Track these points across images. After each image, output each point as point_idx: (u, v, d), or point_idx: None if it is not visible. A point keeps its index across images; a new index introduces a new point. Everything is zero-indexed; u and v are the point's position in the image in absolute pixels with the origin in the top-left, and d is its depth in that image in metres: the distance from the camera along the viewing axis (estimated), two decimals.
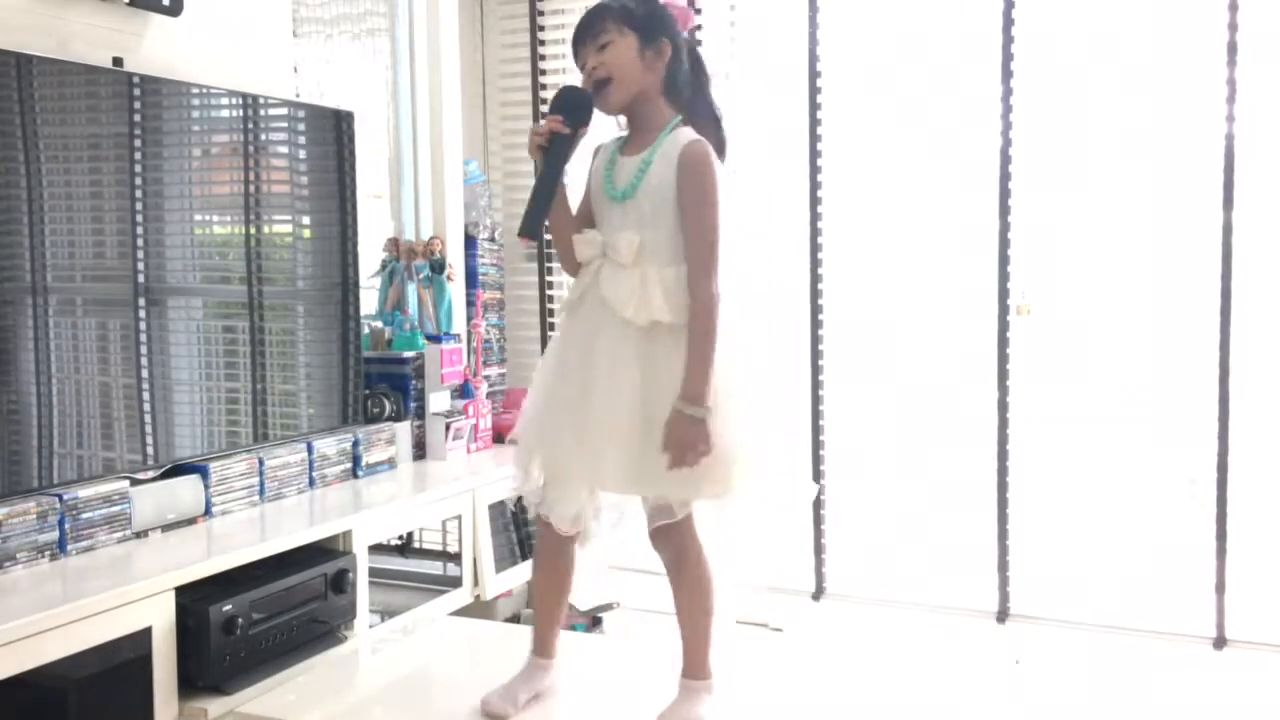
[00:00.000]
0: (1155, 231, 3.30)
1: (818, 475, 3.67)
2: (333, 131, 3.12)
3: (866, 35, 3.57)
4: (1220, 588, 3.19)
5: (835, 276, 3.63)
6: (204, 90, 2.75)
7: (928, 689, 2.35)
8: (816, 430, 3.66)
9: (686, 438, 1.88)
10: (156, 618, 2.23)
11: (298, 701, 2.27)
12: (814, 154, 3.60)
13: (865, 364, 3.67)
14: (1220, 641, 3.20)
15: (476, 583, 3.21)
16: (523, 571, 3.43)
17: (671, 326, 1.95)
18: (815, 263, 3.62)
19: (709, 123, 2.06)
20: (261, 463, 2.82)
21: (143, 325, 2.59)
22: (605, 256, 2.01)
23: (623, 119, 2.09)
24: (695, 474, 1.91)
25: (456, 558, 3.22)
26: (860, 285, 3.65)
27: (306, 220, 3.10)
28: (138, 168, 2.57)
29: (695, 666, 2.08)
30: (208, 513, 2.67)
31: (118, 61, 2.59)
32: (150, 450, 2.60)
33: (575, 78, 2.10)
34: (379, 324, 3.46)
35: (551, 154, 1.99)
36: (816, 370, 3.65)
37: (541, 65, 3.97)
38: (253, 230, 2.90)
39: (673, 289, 1.96)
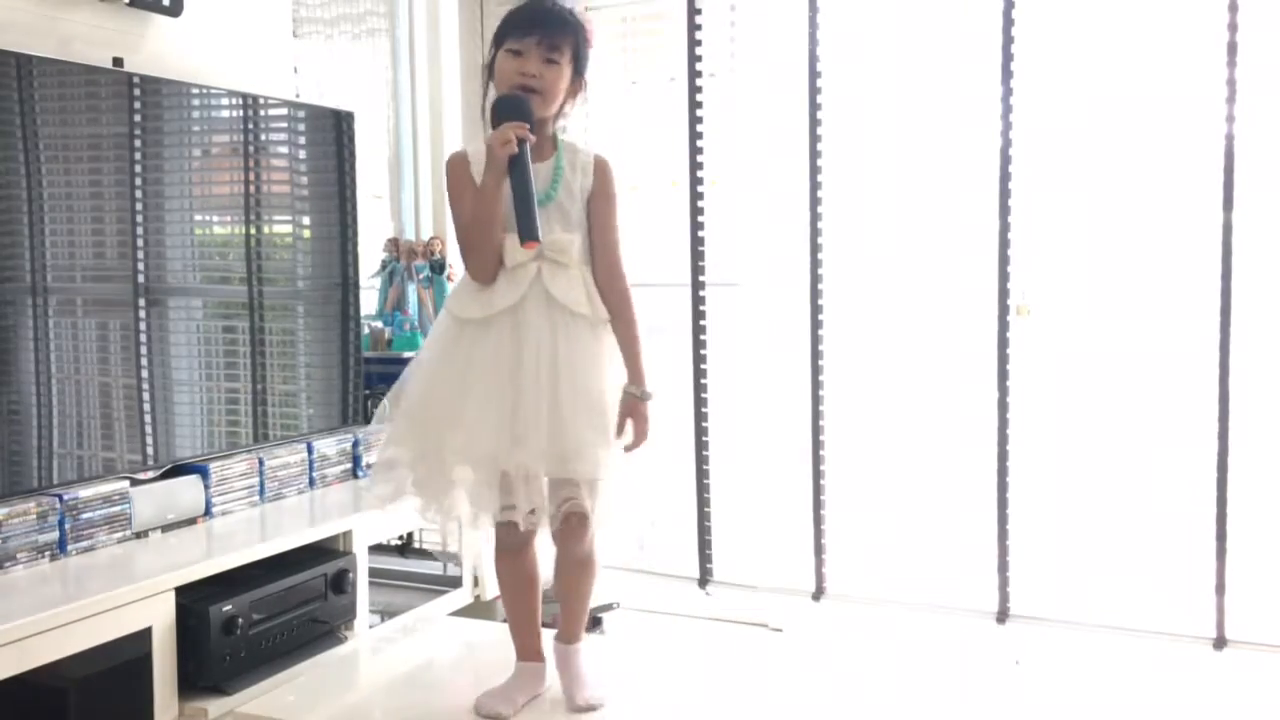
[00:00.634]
0: (1155, 232, 3.29)
1: (818, 475, 3.67)
2: (333, 131, 3.12)
3: (866, 35, 3.57)
4: (1220, 588, 3.19)
5: (835, 277, 3.63)
6: (204, 90, 2.75)
7: (928, 689, 2.35)
8: (816, 430, 3.66)
9: (644, 416, 2.07)
10: (156, 618, 2.23)
11: (298, 701, 2.27)
12: (814, 154, 3.60)
13: (865, 364, 3.67)
14: (1220, 641, 3.19)
15: (476, 583, 3.21)
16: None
17: (605, 321, 2.09)
18: (815, 263, 3.62)
19: None
20: (261, 463, 2.82)
21: (143, 325, 2.59)
22: (543, 258, 2.05)
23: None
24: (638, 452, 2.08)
25: (456, 558, 3.22)
26: (860, 285, 3.65)
27: (306, 220, 3.10)
28: (138, 168, 2.57)
29: (577, 633, 2.22)
30: (208, 513, 2.67)
31: (118, 62, 2.59)
32: (150, 450, 2.61)
33: None
34: (379, 324, 3.46)
35: (522, 158, 2.01)
36: (816, 370, 3.65)
37: None
38: (253, 230, 2.90)
39: (595, 291, 2.10)
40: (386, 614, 2.94)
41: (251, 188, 2.89)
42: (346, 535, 2.73)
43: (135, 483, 2.52)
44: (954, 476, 3.57)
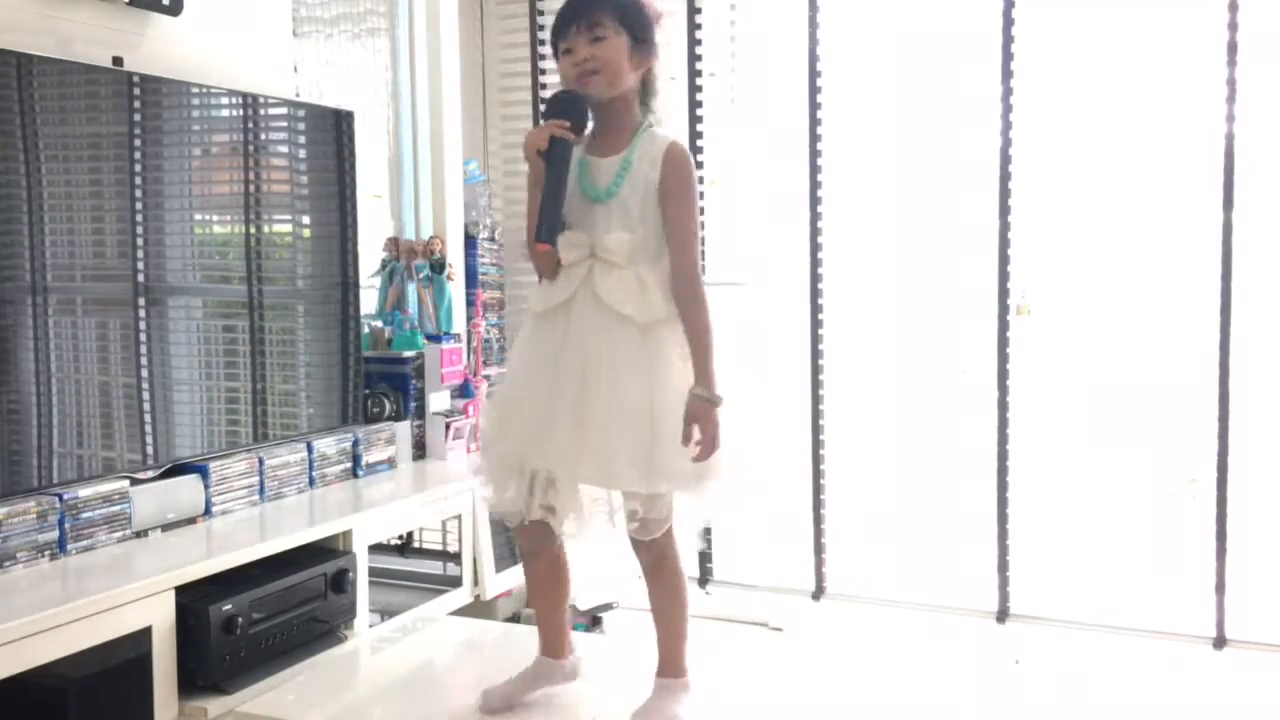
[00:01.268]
0: (1155, 231, 3.30)
1: (818, 475, 3.67)
2: (333, 131, 3.12)
3: (866, 35, 3.57)
4: (1220, 588, 3.19)
5: (835, 276, 3.63)
6: (204, 90, 2.75)
7: (928, 689, 2.35)
8: (816, 430, 3.66)
9: (711, 420, 1.92)
10: (156, 617, 2.23)
11: (298, 701, 2.27)
12: (814, 154, 3.60)
13: (865, 364, 3.67)
14: (1220, 641, 3.20)
15: (476, 582, 3.21)
16: (523, 571, 3.42)
17: (667, 322, 1.98)
18: (815, 263, 3.62)
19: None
20: (261, 462, 2.82)
21: (143, 325, 2.59)
22: (595, 257, 2.00)
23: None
24: (704, 465, 1.94)
25: (456, 557, 3.22)
26: (860, 285, 3.65)
27: (306, 220, 3.10)
28: (138, 168, 2.57)
29: (672, 665, 2.10)
30: (208, 512, 2.67)
31: (118, 61, 2.59)
32: (150, 450, 2.60)
33: None
34: (379, 324, 3.46)
35: (555, 158, 1.99)
36: (816, 370, 3.65)
37: (541, 65, 3.97)
38: (253, 230, 2.90)
39: (663, 285, 2.00)
40: (386, 614, 2.94)
41: (251, 187, 2.89)
42: (346, 535, 2.73)
43: (135, 482, 2.51)
44: (954, 476, 3.57)
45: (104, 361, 2.54)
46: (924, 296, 3.58)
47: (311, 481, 2.97)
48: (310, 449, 2.97)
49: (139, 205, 2.57)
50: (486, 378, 3.71)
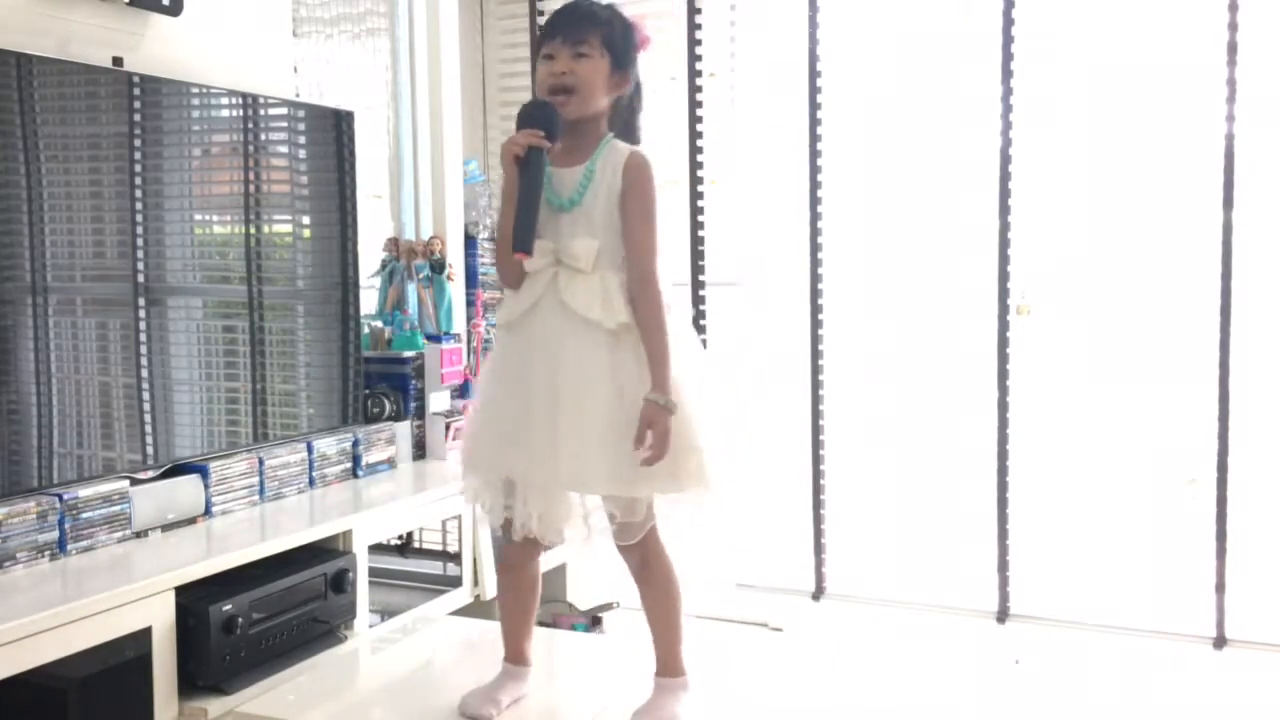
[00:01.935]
0: (1155, 231, 3.30)
1: (818, 475, 3.67)
2: (333, 131, 3.12)
3: (866, 35, 3.57)
4: (1220, 588, 3.19)
5: (835, 276, 3.63)
6: (204, 90, 2.75)
7: (928, 689, 2.35)
8: (816, 430, 3.66)
9: (664, 426, 1.93)
10: (156, 618, 2.23)
11: (298, 701, 2.27)
12: (814, 154, 3.60)
13: (865, 364, 3.67)
14: (1220, 641, 3.20)
15: (476, 583, 3.21)
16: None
17: (630, 327, 2.00)
18: (815, 262, 3.62)
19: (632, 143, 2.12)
20: (261, 462, 2.82)
21: (143, 325, 2.59)
22: (559, 264, 2.01)
23: None
24: (676, 467, 1.96)
25: (456, 557, 3.22)
26: (860, 285, 3.65)
27: (306, 220, 3.10)
28: (138, 168, 2.56)
29: (669, 665, 2.11)
30: (208, 513, 2.67)
31: (118, 61, 2.58)
32: (150, 450, 2.60)
33: None
34: (379, 324, 3.46)
35: (530, 166, 2.00)
36: (816, 370, 3.65)
37: None
38: (253, 230, 2.90)
39: (625, 291, 2.01)
40: (386, 614, 2.94)
41: (251, 187, 2.89)
42: (346, 535, 2.73)
43: (135, 482, 2.51)
44: (954, 476, 3.57)
45: (104, 361, 2.54)
46: (924, 296, 3.58)
47: (311, 482, 2.97)
48: (310, 449, 2.97)
49: (139, 205, 2.57)
50: None
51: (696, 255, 3.76)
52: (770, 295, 3.77)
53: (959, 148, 3.46)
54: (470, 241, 3.72)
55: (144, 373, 2.60)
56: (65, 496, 2.34)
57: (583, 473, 1.97)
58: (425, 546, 3.37)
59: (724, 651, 2.79)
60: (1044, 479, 3.46)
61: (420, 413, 3.39)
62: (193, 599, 2.31)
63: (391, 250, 3.57)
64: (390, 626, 2.85)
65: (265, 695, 2.34)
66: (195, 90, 2.72)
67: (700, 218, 3.76)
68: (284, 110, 3.01)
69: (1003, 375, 3.41)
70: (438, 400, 3.42)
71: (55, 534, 2.32)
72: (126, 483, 2.48)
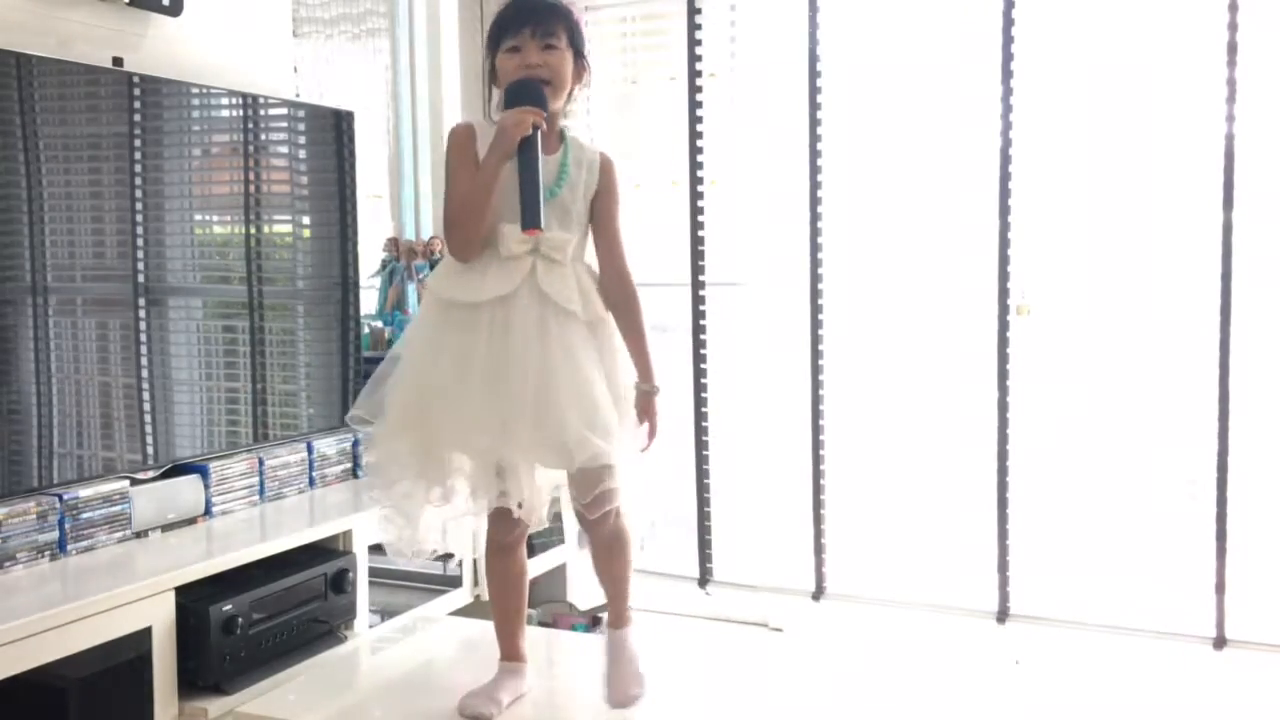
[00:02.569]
0: (1155, 231, 3.30)
1: (818, 475, 3.67)
2: (333, 131, 3.12)
3: (866, 35, 3.57)
4: (1220, 588, 3.19)
5: (835, 276, 3.63)
6: (204, 90, 2.75)
7: (928, 689, 2.35)
8: (816, 430, 3.66)
9: (654, 410, 2.11)
10: (156, 618, 2.23)
11: (298, 701, 2.27)
12: (814, 154, 3.60)
13: (865, 364, 3.67)
14: (1220, 641, 3.19)
15: (476, 583, 3.21)
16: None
17: (602, 319, 2.09)
18: (815, 263, 3.62)
19: None
20: (261, 463, 2.82)
21: (143, 325, 2.59)
22: (538, 253, 2.02)
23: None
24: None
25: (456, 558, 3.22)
26: (860, 285, 3.65)
27: (306, 220, 3.10)
28: (138, 168, 2.57)
29: (622, 616, 2.18)
30: (208, 513, 2.67)
31: (118, 61, 2.59)
32: (150, 450, 2.60)
33: None
34: (379, 324, 3.46)
35: (532, 145, 2.00)
36: (816, 370, 3.65)
37: None
38: (253, 230, 2.90)
39: (591, 289, 2.09)
40: (386, 614, 2.94)
41: (251, 187, 2.89)
42: (346, 535, 2.73)
43: (135, 482, 2.51)
44: (954, 476, 3.57)
45: (104, 362, 2.54)
46: (924, 296, 3.58)
47: (311, 482, 2.97)
48: (310, 449, 2.97)
49: (139, 205, 2.57)
50: None
51: (696, 255, 3.76)
52: (770, 295, 3.76)
53: (959, 148, 3.45)
54: None
55: (144, 373, 2.60)
56: (65, 496, 2.34)
57: (581, 444, 1.96)
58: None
59: (724, 651, 2.78)
60: (1044, 479, 3.46)
61: None
62: (193, 599, 2.31)
63: (391, 250, 3.57)
64: (390, 626, 2.85)
65: (265, 695, 2.34)
66: (195, 90, 2.72)
67: (700, 218, 3.75)
68: (284, 110, 3.01)
69: (1003, 375, 3.41)
70: None
71: (55, 534, 2.32)
72: (126, 483, 2.48)
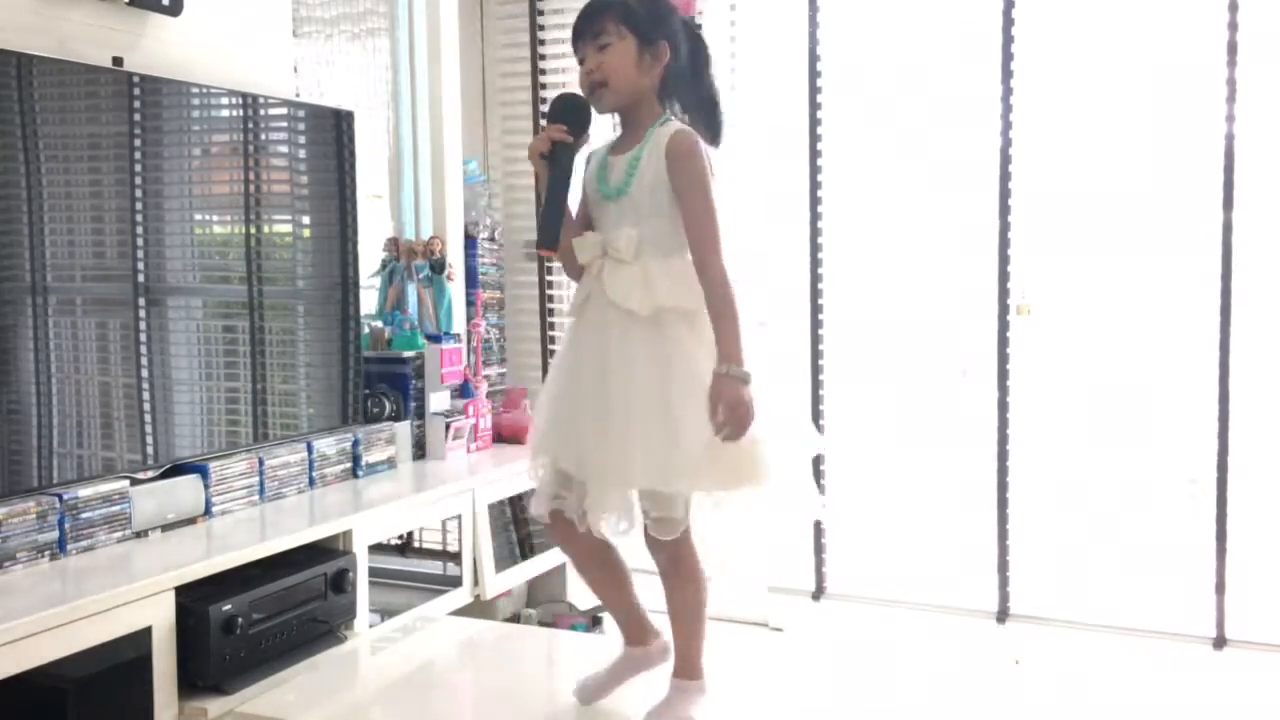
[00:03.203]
0: (1155, 231, 3.30)
1: (818, 475, 3.67)
2: (333, 131, 3.12)
3: (866, 35, 3.57)
4: (1220, 588, 3.19)
5: (835, 276, 3.63)
6: (204, 90, 2.75)
7: (928, 689, 2.35)
8: (816, 430, 3.65)
9: (735, 397, 1.85)
10: (156, 618, 2.23)
11: (298, 701, 2.27)
12: (814, 154, 3.60)
13: (865, 364, 3.67)
14: (1220, 641, 3.20)
15: (476, 582, 3.21)
16: (523, 571, 3.43)
17: (681, 313, 1.96)
18: (815, 262, 3.62)
19: (705, 106, 2.07)
20: (261, 462, 2.82)
21: (143, 325, 2.59)
22: (606, 255, 2.01)
23: (616, 117, 2.10)
24: (731, 463, 1.90)
25: (456, 557, 3.22)
26: (860, 285, 3.65)
27: (306, 220, 3.10)
28: (138, 168, 2.56)
29: (687, 667, 2.09)
30: (208, 512, 2.67)
31: (118, 61, 2.58)
32: (150, 450, 2.60)
33: (575, 77, 2.11)
34: (379, 324, 3.46)
35: (557, 162, 1.99)
36: (816, 370, 3.65)
37: (541, 65, 3.97)
38: (253, 230, 2.90)
39: (679, 277, 1.96)
40: (386, 614, 2.94)
41: (251, 187, 2.89)
42: (346, 535, 2.72)
43: (135, 482, 2.51)
44: (954, 476, 3.57)
45: (104, 361, 2.54)
46: (924, 296, 3.58)
47: (311, 481, 2.97)
48: (310, 449, 2.97)
49: (139, 205, 2.57)
50: (486, 378, 3.71)
51: None
52: (770, 295, 3.77)
53: (959, 148, 3.46)
54: (470, 241, 3.72)
55: (144, 373, 2.60)
56: (65, 496, 2.34)
57: (627, 467, 1.94)
58: (425, 546, 3.37)
59: (724, 651, 2.78)
60: (1044, 479, 3.46)
61: (420, 413, 3.39)
62: (193, 599, 2.31)
63: (391, 250, 3.57)
64: (390, 626, 2.85)
65: (265, 695, 2.34)
66: (195, 90, 2.72)
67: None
68: (284, 110, 3.01)
69: (1003, 375, 3.41)
70: (438, 400, 3.42)
71: (55, 534, 2.32)
72: (126, 483, 2.48)
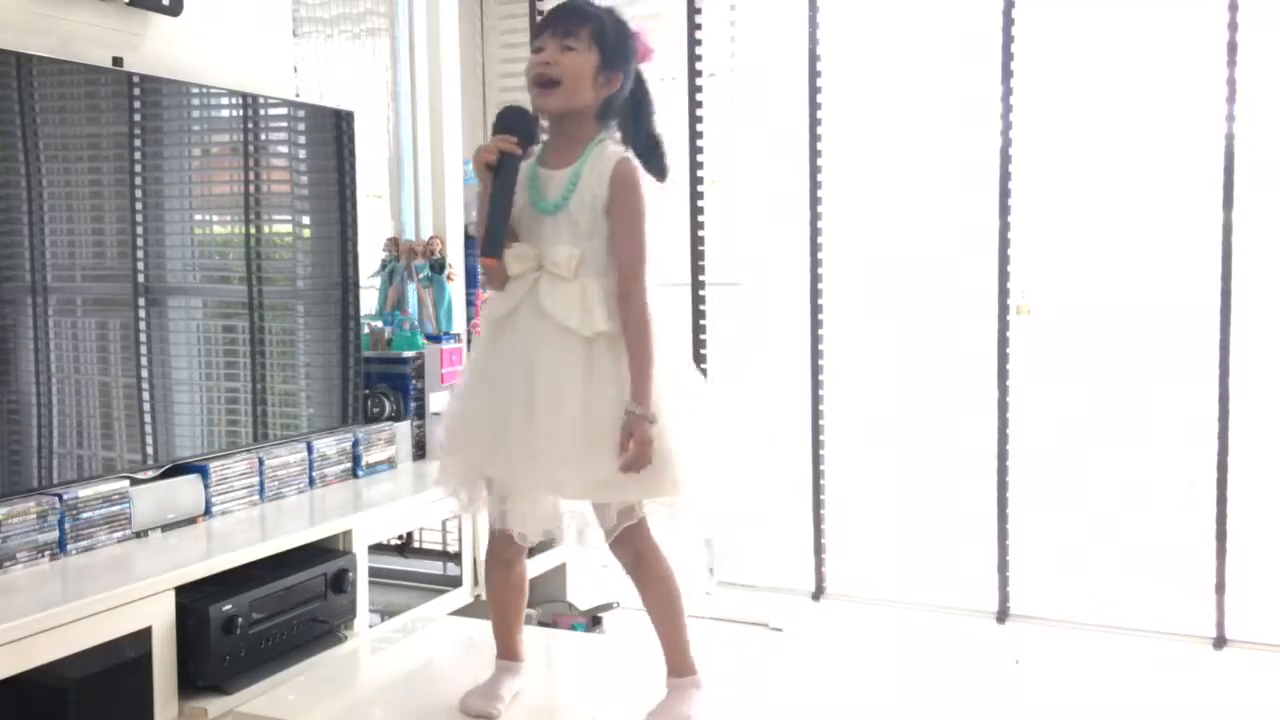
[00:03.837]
0: (1155, 231, 3.30)
1: (818, 475, 3.67)
2: (333, 131, 3.12)
3: (866, 35, 3.57)
4: (1220, 588, 3.19)
5: (835, 276, 3.63)
6: (204, 90, 2.75)
7: (928, 689, 2.35)
8: (816, 430, 3.66)
9: (642, 436, 1.94)
10: (156, 618, 2.23)
11: (298, 701, 2.27)
12: (814, 154, 3.60)
13: (865, 364, 3.67)
14: (1220, 641, 3.20)
15: (476, 583, 3.21)
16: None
17: (610, 335, 2.00)
18: (815, 263, 3.62)
19: (650, 149, 2.11)
20: (261, 462, 2.82)
21: (143, 325, 2.59)
22: (541, 269, 2.02)
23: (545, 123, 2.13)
24: (648, 475, 1.97)
25: (456, 557, 3.22)
26: (860, 285, 3.65)
27: (306, 220, 3.10)
28: (138, 168, 2.56)
29: (677, 664, 2.11)
30: (208, 512, 2.67)
31: (118, 61, 2.58)
32: (150, 450, 2.60)
33: None
34: (379, 324, 3.46)
35: (501, 173, 2.00)
36: (816, 370, 3.65)
37: None
38: (253, 230, 2.90)
39: (609, 299, 2.01)
40: (386, 614, 2.94)
41: (251, 187, 2.89)
42: (346, 535, 2.72)
43: (135, 482, 2.51)
44: (954, 476, 3.57)
45: (104, 361, 2.54)
46: (924, 296, 3.58)
47: (311, 482, 2.97)
48: (310, 449, 2.97)
49: (139, 205, 2.57)
50: None
51: (696, 255, 3.76)
52: (770, 295, 3.77)
53: (959, 147, 3.46)
54: (470, 241, 3.72)
55: (144, 373, 2.60)
56: (65, 496, 2.34)
57: (558, 477, 1.99)
58: (425, 546, 3.37)
59: (724, 651, 2.78)
60: (1044, 479, 3.46)
61: (420, 413, 3.39)
62: (193, 599, 2.31)
63: (391, 250, 3.57)
64: (390, 626, 2.85)
65: (265, 695, 2.34)
66: (195, 90, 2.72)
67: (700, 218, 3.75)
68: (284, 110, 3.01)
69: (1003, 375, 3.41)
70: (437, 400, 3.42)
71: (55, 534, 2.32)
72: (126, 483, 2.48)
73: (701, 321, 3.77)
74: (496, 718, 2.12)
